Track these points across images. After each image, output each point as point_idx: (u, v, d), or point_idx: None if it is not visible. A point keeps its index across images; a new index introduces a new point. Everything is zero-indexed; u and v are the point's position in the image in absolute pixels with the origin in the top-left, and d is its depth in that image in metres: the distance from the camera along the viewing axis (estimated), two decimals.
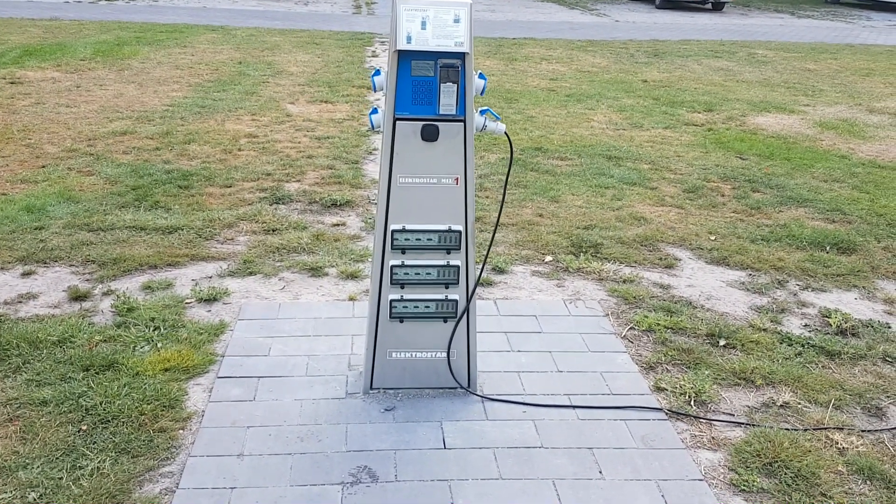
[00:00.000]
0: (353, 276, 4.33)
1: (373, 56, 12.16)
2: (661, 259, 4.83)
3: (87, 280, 4.21)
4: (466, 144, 2.94)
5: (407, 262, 3.05)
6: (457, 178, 2.98)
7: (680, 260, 4.85)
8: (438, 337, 3.16)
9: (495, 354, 3.55)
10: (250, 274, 4.33)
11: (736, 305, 4.27)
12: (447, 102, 2.86)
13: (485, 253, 3.22)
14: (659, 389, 3.36)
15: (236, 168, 6.17)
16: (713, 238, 5.22)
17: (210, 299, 4.00)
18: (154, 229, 4.86)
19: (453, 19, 2.74)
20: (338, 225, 5.13)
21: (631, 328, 3.90)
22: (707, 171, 6.80)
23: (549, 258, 4.75)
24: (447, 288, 3.10)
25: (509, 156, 2.95)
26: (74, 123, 7.31)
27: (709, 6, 23.70)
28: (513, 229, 5.16)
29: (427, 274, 3.08)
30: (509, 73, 10.91)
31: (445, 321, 3.14)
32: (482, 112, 2.97)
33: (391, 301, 3.08)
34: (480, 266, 3.16)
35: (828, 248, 5.13)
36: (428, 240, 3.03)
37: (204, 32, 13.75)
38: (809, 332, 4.02)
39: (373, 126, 2.96)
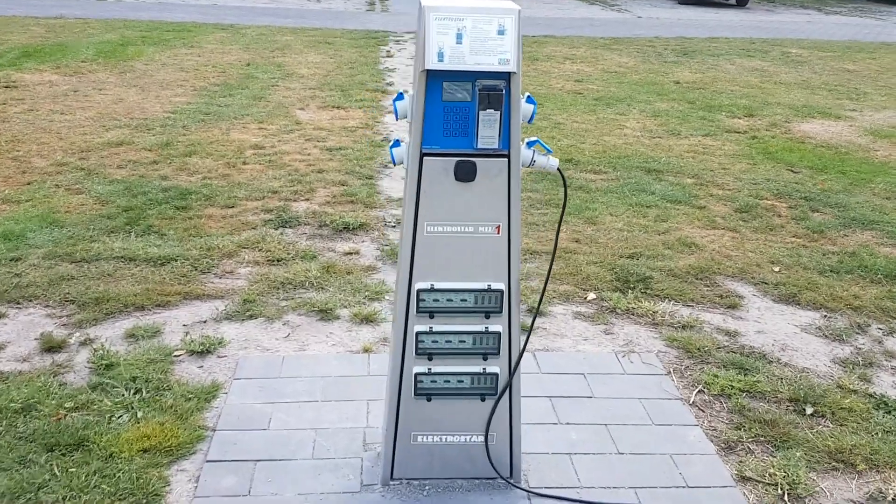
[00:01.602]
0: (368, 320, 3.75)
1: (388, 56, 11.58)
2: (721, 297, 4.22)
3: (64, 325, 3.66)
4: (511, 185, 2.35)
5: (436, 329, 2.46)
6: (498, 227, 2.39)
7: (743, 298, 4.23)
8: (474, 417, 2.58)
9: (539, 428, 2.96)
10: (251, 317, 3.75)
11: (816, 358, 3.65)
12: (488, 134, 2.27)
13: (532, 315, 2.64)
14: (744, 479, 2.76)
15: (240, 185, 5.61)
16: (777, 270, 4.60)
17: (203, 351, 3.43)
18: (145, 260, 4.30)
19: (497, 30, 2.15)
20: (350, 254, 4.55)
21: (700, 391, 3.30)
22: (757, 185, 6.17)
23: (592, 295, 4.15)
24: (485, 359, 2.51)
25: (563, 196, 2.34)
26: (68, 133, 6.77)
27: (732, 2, 22.94)
28: (547, 259, 4.56)
29: (461, 342, 2.49)
30: (531, 75, 10.29)
31: (483, 399, 2.55)
32: (530, 144, 2.38)
33: (416, 375, 2.50)
34: (527, 333, 2.57)
35: None
36: (462, 301, 2.44)
37: (213, 31, 13.20)
38: None
39: (394, 161, 2.38)
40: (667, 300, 4.14)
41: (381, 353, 3.46)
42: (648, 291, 4.22)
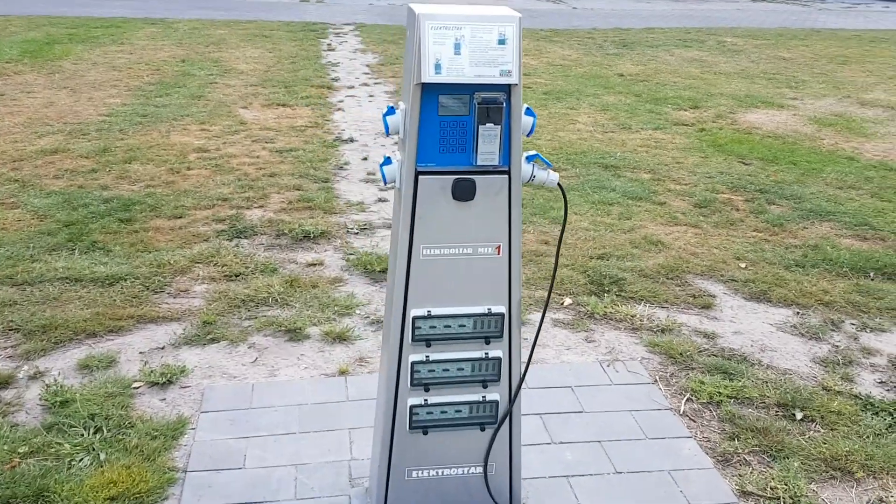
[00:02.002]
0: (340, 339, 3.56)
1: (329, 49, 11.29)
2: (694, 297, 4.16)
3: (10, 357, 3.37)
4: (512, 203, 2.20)
5: (433, 357, 2.30)
6: (499, 247, 2.24)
7: (715, 297, 4.19)
8: (473, 448, 2.43)
9: (534, 450, 2.83)
10: (212, 341, 3.52)
11: (796, 358, 3.63)
12: (487, 150, 2.11)
13: (532, 339, 2.50)
14: (745, 494, 2.68)
15: (186, 192, 5.32)
16: (744, 266, 4.58)
17: (164, 382, 3.19)
18: (91, 280, 4.01)
19: (497, 39, 1.99)
20: (314, 265, 4.34)
21: (688, 399, 3.22)
22: (712, 179, 6.17)
23: (568, 301, 4.05)
24: (485, 387, 2.36)
25: (563, 213, 2.21)
26: None
27: None
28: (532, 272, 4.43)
29: (459, 370, 2.33)
30: None
31: (483, 428, 2.40)
32: (529, 158, 2.23)
33: (412, 408, 2.34)
34: (527, 358, 2.43)
35: (871, 274, 4.54)
36: (461, 327, 2.29)
37: (143, 27, 12.67)
38: (888, 390, 3.40)
39: (385, 181, 2.20)
40: (642, 303, 4.06)
41: (358, 374, 3.28)
42: (623, 294, 4.14)
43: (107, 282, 4.00)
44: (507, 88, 2.06)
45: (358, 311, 3.82)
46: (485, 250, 2.23)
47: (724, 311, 4.06)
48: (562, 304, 4.02)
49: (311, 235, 4.68)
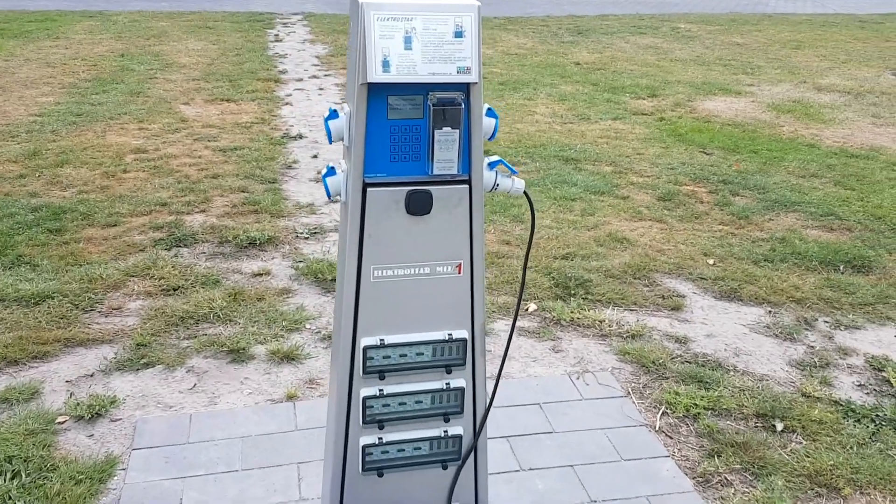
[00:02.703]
0: (288, 358, 3.28)
1: (276, 41, 10.89)
2: (663, 298, 3.97)
3: None
4: (473, 215, 1.95)
5: (388, 391, 2.05)
6: (459, 265, 1.99)
7: (685, 297, 4.01)
8: (435, 488, 2.19)
9: (502, 479, 2.60)
10: (146, 365, 3.21)
11: (772, 362, 3.45)
12: (445, 157, 1.86)
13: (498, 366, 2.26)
14: None
15: (122, 198, 4.96)
16: (712, 263, 4.41)
17: (92, 415, 2.88)
18: (15, 300, 3.66)
19: (453, 32, 1.74)
20: (260, 275, 4.04)
21: (664, 413, 3.02)
22: (674, 171, 6.01)
23: (533, 306, 3.82)
24: (447, 420, 2.12)
25: (530, 225, 1.97)
26: None
27: None
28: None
29: (417, 403, 2.08)
30: None
31: (445, 466, 2.16)
32: (492, 165, 1.99)
33: (364, 448, 2.08)
34: (493, 386, 2.19)
35: (841, 267, 4.41)
36: (418, 355, 2.04)
37: (80, 20, 12.11)
38: (867, 393, 3.24)
39: (329, 195, 1.94)
40: (610, 306, 3.86)
41: (308, 399, 3.01)
42: (590, 297, 3.93)
43: (32, 301, 3.66)
44: (465, 87, 1.81)
45: (308, 326, 3.54)
46: (444, 269, 1.98)
47: (695, 311, 3.87)
48: (526, 310, 3.80)
49: (257, 242, 4.38)
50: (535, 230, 4.72)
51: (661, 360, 3.36)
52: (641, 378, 3.25)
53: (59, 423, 2.84)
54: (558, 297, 3.93)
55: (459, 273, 1.99)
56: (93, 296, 3.75)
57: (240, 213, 4.82)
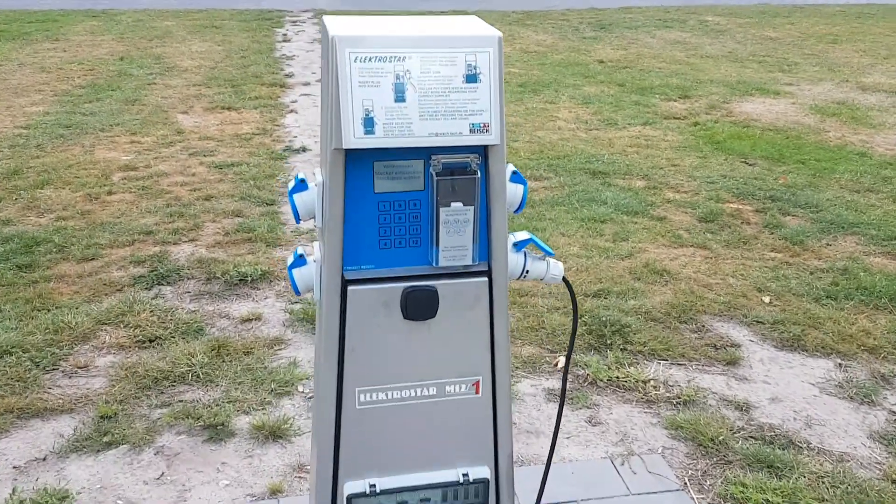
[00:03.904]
0: (275, 435, 2.77)
1: (284, 41, 10.39)
2: (715, 348, 3.43)
3: None
4: (495, 315, 1.43)
5: None
6: (477, 383, 1.48)
7: (740, 346, 3.46)
8: None
9: None
10: (109, 445, 2.72)
11: (850, 434, 2.90)
12: (454, 243, 1.34)
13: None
14: None
15: (103, 225, 4.48)
16: (768, 301, 3.85)
17: None
18: None
19: (464, 75, 1.22)
20: (249, 320, 3.54)
21: None
22: (715, 185, 5.44)
23: (561, 360, 3.29)
24: None
25: (573, 317, 1.41)
26: None
27: None
28: None
29: None
30: None
31: None
32: (520, 246, 1.46)
33: None
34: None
35: None
36: (422, 502, 1.52)
37: (83, 20, 11.66)
38: None
39: (297, 291, 1.42)
40: (653, 359, 3.32)
41: (295, 494, 2.50)
42: (629, 347, 3.40)
43: None
44: (482, 151, 1.29)
45: (300, 389, 3.04)
46: (456, 388, 1.47)
47: (754, 366, 3.33)
48: (555, 365, 3.27)
49: (249, 279, 3.88)
50: (556, 250, 4.19)
51: (721, 437, 2.81)
52: (699, 462, 2.71)
53: None
54: (592, 347, 3.40)
55: (477, 393, 1.47)
56: (57, 350, 3.26)
57: (232, 241, 4.33)
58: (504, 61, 1.28)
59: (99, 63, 8.74)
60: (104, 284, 3.82)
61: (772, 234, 4.69)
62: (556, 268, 1.52)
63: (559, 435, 2.76)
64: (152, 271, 3.94)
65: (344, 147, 1.20)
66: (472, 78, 1.21)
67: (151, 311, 3.57)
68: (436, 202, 1.30)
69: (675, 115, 7.26)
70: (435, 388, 1.45)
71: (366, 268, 1.35)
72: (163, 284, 3.85)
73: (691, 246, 4.50)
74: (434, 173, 1.28)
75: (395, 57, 1.17)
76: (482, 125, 1.23)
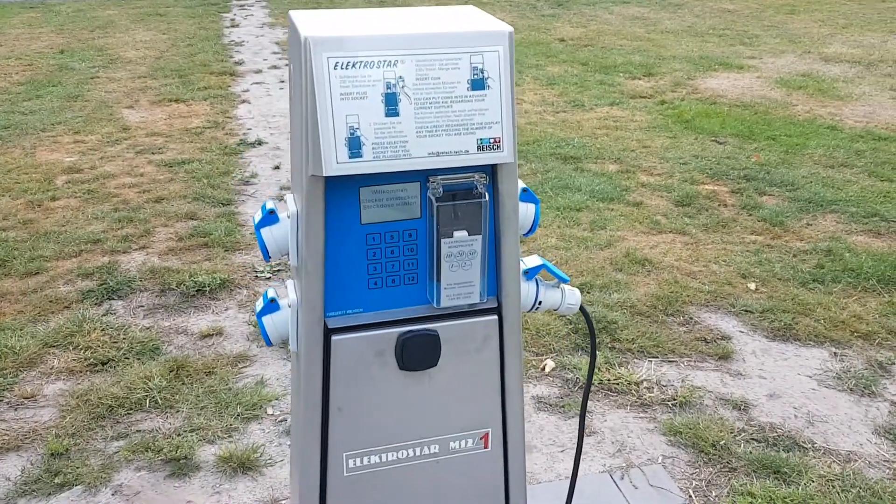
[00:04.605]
0: (244, 467, 2.54)
1: (232, 26, 9.99)
2: (705, 341, 3.28)
3: None
4: (506, 358, 1.23)
5: None
6: (486, 436, 1.27)
7: (731, 338, 3.31)
8: None
9: None
10: (61, 486, 2.46)
11: (854, 430, 2.77)
12: (459, 280, 1.13)
13: None
14: None
15: (47, 235, 4.16)
16: (754, 288, 3.71)
17: None
18: None
19: (469, 80, 0.99)
20: (210, 335, 3.28)
21: None
22: (687, 166, 5.29)
23: (550, 364, 3.11)
24: None
25: (591, 350, 1.19)
26: None
27: None
28: None
29: None
30: None
31: None
32: (531, 274, 1.25)
33: None
34: None
35: None
36: None
37: (19, 12, 11.07)
38: None
39: (268, 342, 1.19)
40: (644, 357, 3.15)
41: None
42: (617, 346, 3.22)
43: None
44: (489, 168, 1.07)
45: (269, 411, 2.80)
46: (462, 444, 1.26)
47: (748, 359, 3.18)
48: (542, 369, 3.08)
49: (208, 289, 3.62)
50: (534, 242, 3.98)
51: (722, 441, 2.66)
52: (702, 471, 2.54)
53: None
54: (579, 347, 3.22)
55: (486, 447, 1.27)
56: (0, 379, 2.97)
57: (187, 248, 4.04)
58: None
59: (38, 57, 8.27)
60: (50, 301, 3.53)
61: (750, 215, 4.55)
62: (573, 296, 1.31)
63: (554, 448, 2.58)
64: (101, 284, 3.65)
65: (325, 174, 0.97)
66: (478, 84, 0.99)
67: (103, 330, 3.29)
68: (436, 232, 1.08)
69: (640, 93, 7.10)
70: (437, 446, 1.24)
71: (353, 312, 1.12)
72: (114, 299, 3.56)
73: (670, 232, 4.34)
74: (433, 198, 1.06)
75: (385, 61, 0.94)
76: (492, 140, 1.01)
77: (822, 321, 3.44)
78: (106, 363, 3.08)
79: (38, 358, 3.12)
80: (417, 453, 1.24)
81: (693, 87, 7.32)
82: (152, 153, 5.40)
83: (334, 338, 1.12)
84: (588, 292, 3.65)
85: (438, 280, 1.12)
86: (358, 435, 1.20)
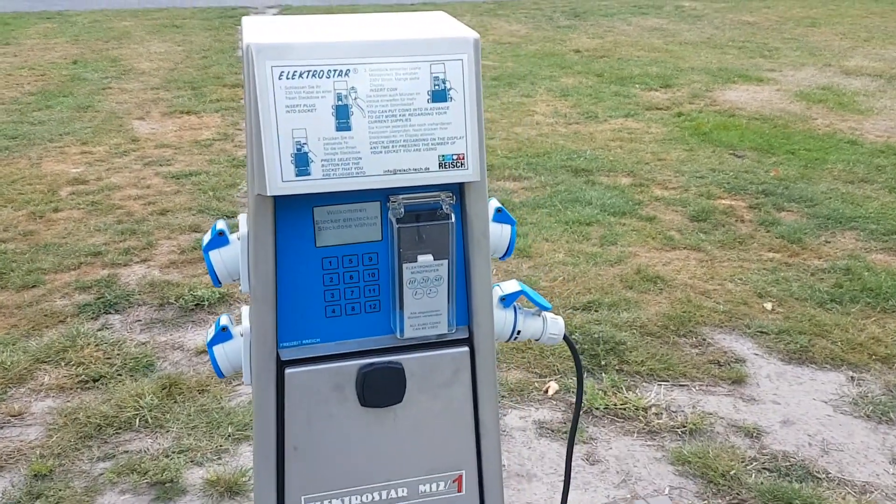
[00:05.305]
0: (231, 491, 2.45)
1: None
2: (718, 364, 3.15)
3: None
4: (480, 392, 1.13)
5: None
6: (459, 478, 1.16)
7: (745, 361, 3.18)
8: None
9: None
10: None
11: (871, 459, 2.63)
12: (424, 307, 1.03)
13: None
14: None
15: (48, 247, 4.11)
16: (770, 308, 3.58)
17: None
18: None
19: (430, 91, 0.89)
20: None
21: None
22: (704, 180, 5.16)
23: (553, 386, 2.99)
24: None
25: (577, 385, 1.07)
26: None
27: None
28: None
29: None
30: None
31: None
32: (508, 301, 1.15)
33: None
34: None
35: None
36: None
37: (36, 22, 11.16)
38: None
39: (220, 374, 1.10)
40: (653, 380, 3.03)
41: None
42: (625, 368, 3.10)
43: None
44: (456, 187, 0.97)
45: None
46: (432, 487, 1.15)
47: (762, 383, 3.04)
48: (545, 392, 2.97)
49: (206, 303, 3.54)
50: (541, 258, 3.84)
51: (732, 471, 2.53)
52: (711, 502, 2.41)
53: None
54: (585, 369, 3.10)
55: (460, 490, 1.16)
56: None
57: (188, 260, 3.97)
58: (483, 52, 0.97)
59: (51, 67, 8.30)
60: (45, 315, 3.46)
61: (767, 231, 4.42)
62: (555, 325, 1.21)
63: (555, 477, 2.46)
64: (99, 298, 3.59)
65: (269, 193, 0.88)
66: (440, 95, 0.89)
67: (97, 345, 3.21)
68: (397, 256, 0.99)
69: (657, 105, 6.98)
70: (406, 489, 1.14)
71: (309, 343, 1.03)
72: (110, 313, 3.50)
73: (684, 248, 4.21)
74: (393, 219, 0.97)
75: (336, 70, 0.85)
76: (455, 157, 0.91)
77: (839, 343, 3.30)
78: (97, 380, 3.01)
79: (29, 374, 3.05)
80: (383, 497, 1.13)
81: (711, 99, 7.19)
82: (160, 165, 5.36)
83: (288, 370, 1.03)
84: (596, 311, 3.53)
85: (402, 308, 1.02)
86: (317, 476, 1.10)
